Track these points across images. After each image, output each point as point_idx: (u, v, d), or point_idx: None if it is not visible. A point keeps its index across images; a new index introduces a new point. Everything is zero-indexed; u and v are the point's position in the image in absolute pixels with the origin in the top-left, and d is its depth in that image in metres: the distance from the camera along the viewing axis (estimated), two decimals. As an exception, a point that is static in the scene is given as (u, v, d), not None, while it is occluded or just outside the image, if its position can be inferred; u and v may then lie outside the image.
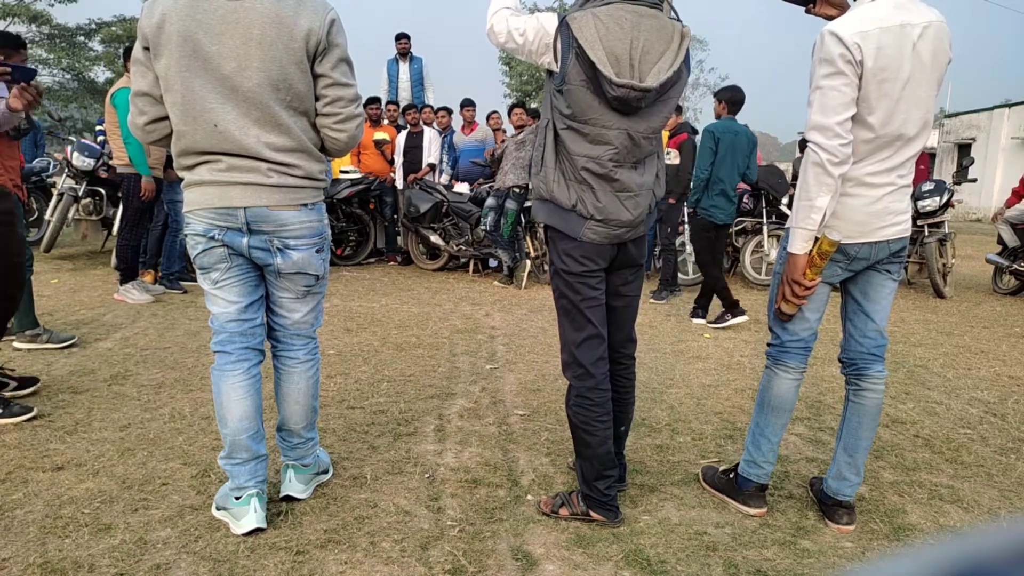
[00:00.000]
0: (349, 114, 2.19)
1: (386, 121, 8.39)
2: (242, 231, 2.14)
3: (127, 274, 5.53)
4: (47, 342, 4.09)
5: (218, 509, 2.30)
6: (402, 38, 8.96)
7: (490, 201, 6.84)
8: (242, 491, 2.24)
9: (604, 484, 2.32)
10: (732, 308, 5.42)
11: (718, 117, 5.41)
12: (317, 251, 2.27)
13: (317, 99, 2.16)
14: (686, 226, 7.04)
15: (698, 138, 6.72)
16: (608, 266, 2.31)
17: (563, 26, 2.09)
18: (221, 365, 2.24)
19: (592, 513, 2.34)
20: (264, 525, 2.22)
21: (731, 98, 5.34)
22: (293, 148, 2.14)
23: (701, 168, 5.28)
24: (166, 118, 2.13)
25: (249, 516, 2.20)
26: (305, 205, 2.20)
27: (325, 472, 2.61)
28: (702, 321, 5.56)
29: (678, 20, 2.19)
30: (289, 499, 2.43)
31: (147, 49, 2.05)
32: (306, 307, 2.34)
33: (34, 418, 3.06)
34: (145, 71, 2.08)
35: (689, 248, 7.15)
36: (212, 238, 2.14)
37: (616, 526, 2.34)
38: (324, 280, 2.35)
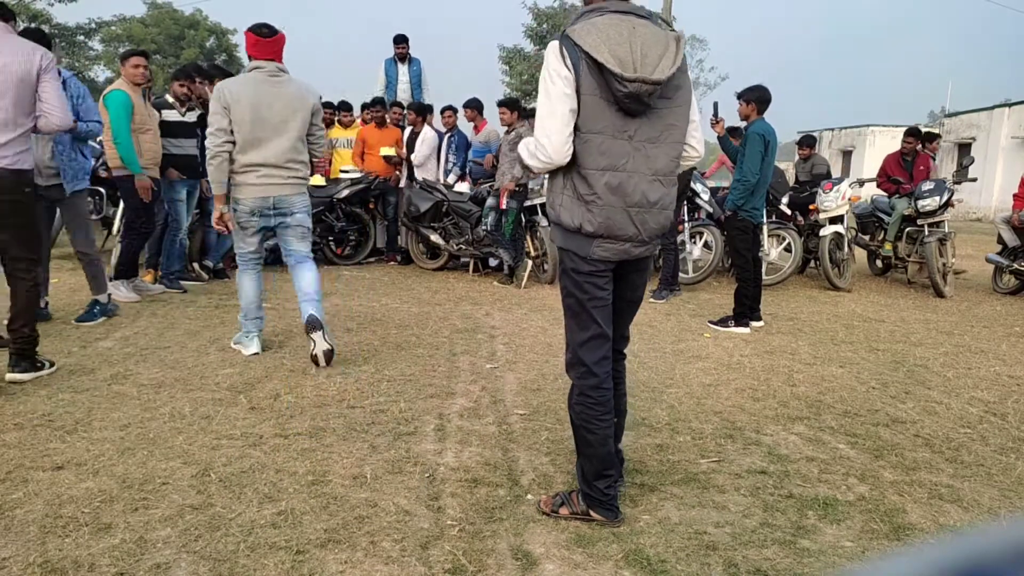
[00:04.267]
0: (322, 142, 4.27)
1: (388, 121, 8.36)
2: (271, 208, 4.00)
3: (119, 272, 5.53)
4: None
5: (235, 343, 4.22)
6: (401, 42, 8.90)
7: (491, 201, 6.84)
8: (250, 333, 4.14)
9: (604, 483, 2.33)
10: (743, 317, 5.34)
11: (745, 119, 5.29)
12: (307, 214, 4.15)
13: (310, 135, 4.11)
14: (686, 225, 7.04)
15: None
16: (617, 269, 2.36)
17: (565, 39, 2.16)
18: (244, 269, 4.15)
19: (592, 512, 2.35)
20: (260, 351, 4.12)
21: (759, 98, 5.19)
22: (302, 161, 4.09)
23: (751, 172, 5.12)
24: (232, 141, 3.88)
25: (253, 346, 4.12)
26: (303, 192, 4.13)
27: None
28: (758, 324, 5.44)
29: (672, 29, 2.28)
30: (312, 319, 3.92)
31: (226, 108, 3.83)
32: (304, 242, 4.17)
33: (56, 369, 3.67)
34: (223, 118, 3.83)
35: (689, 247, 7.15)
36: (253, 214, 3.99)
37: (616, 525, 2.35)
38: (310, 228, 4.21)
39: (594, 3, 2.26)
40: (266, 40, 3.93)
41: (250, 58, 4.01)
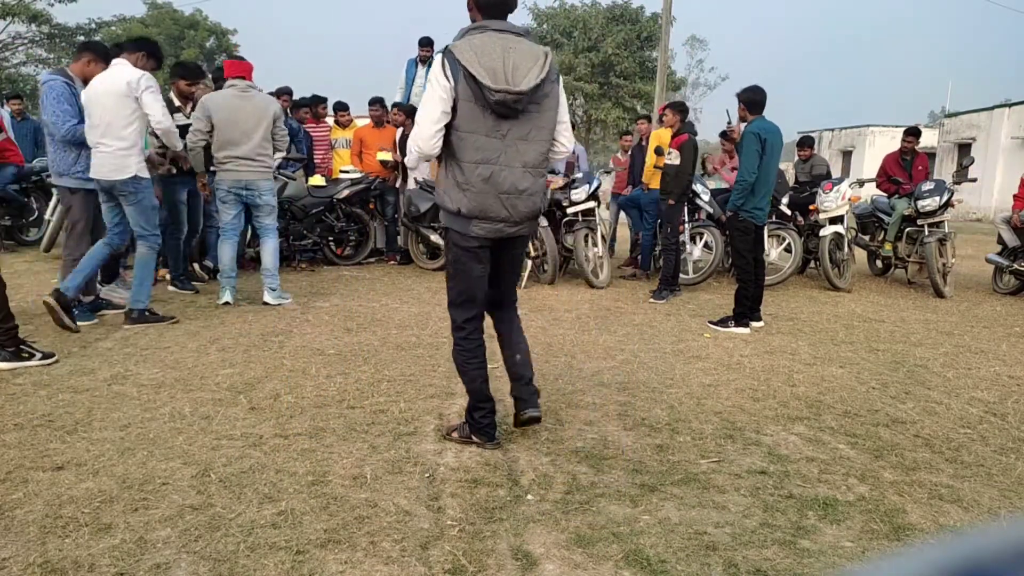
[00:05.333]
0: (286, 140, 5.58)
1: (388, 121, 8.36)
2: (243, 189, 5.30)
3: (110, 275, 5.52)
4: None
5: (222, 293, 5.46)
6: (425, 45, 8.88)
7: None
8: (224, 287, 5.42)
9: (479, 414, 2.88)
10: (743, 317, 5.32)
11: (742, 119, 5.30)
12: (272, 194, 5.43)
13: (273, 134, 5.35)
14: (686, 226, 7.04)
15: (698, 138, 6.71)
16: (495, 246, 2.82)
17: (447, 54, 2.60)
18: (224, 239, 5.44)
19: (473, 436, 2.90)
20: (232, 301, 5.41)
21: (749, 99, 5.20)
22: (267, 154, 5.35)
23: (749, 171, 5.10)
24: (207, 139, 5.21)
25: (226, 296, 5.39)
26: (268, 178, 5.41)
27: (285, 298, 5.55)
28: (758, 324, 5.41)
29: (543, 45, 2.75)
30: (265, 304, 5.42)
31: (208, 116, 5.10)
32: (271, 217, 5.49)
33: (55, 362, 3.82)
34: (202, 122, 5.14)
35: (690, 247, 7.15)
36: (230, 192, 5.29)
37: (492, 448, 2.87)
38: (276, 207, 5.55)
39: (478, 23, 2.70)
40: (238, 64, 5.47)
41: (226, 78, 5.38)
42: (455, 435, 2.95)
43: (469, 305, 2.88)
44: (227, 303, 5.33)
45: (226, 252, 5.40)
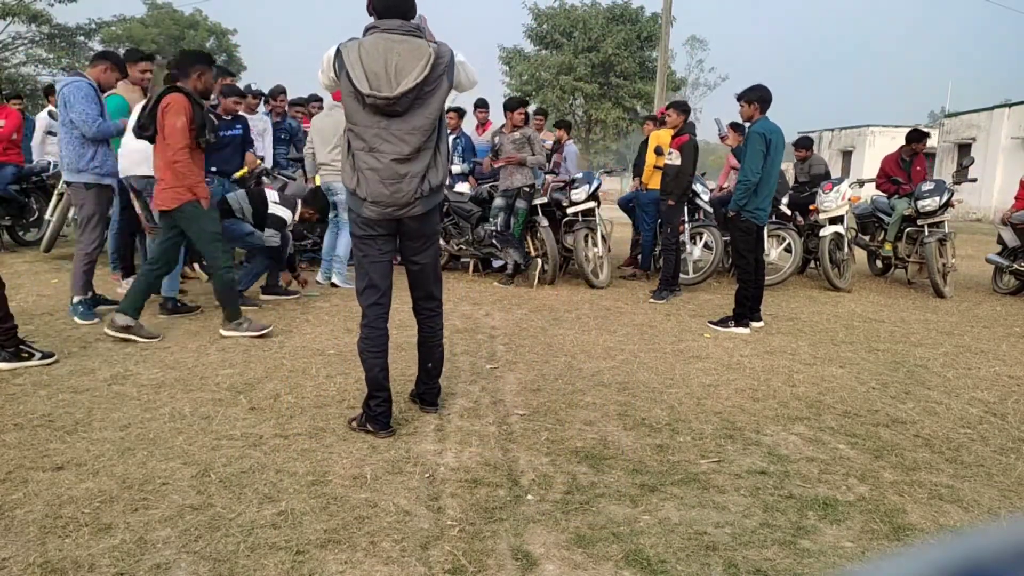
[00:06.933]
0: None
1: None
2: (327, 189, 6.09)
3: (128, 270, 5.62)
4: None
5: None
6: None
7: (498, 202, 6.82)
8: (323, 271, 6.63)
9: (374, 402, 3.01)
10: (743, 317, 5.31)
11: (748, 120, 5.29)
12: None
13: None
14: (686, 226, 7.04)
15: (699, 139, 6.70)
16: (397, 236, 3.02)
17: (338, 53, 2.85)
18: (334, 228, 6.45)
19: (368, 424, 3.01)
20: (321, 281, 6.55)
21: (760, 98, 5.18)
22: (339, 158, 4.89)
23: (752, 171, 5.09)
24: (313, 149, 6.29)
25: (333, 277, 6.48)
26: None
27: (350, 283, 5.87)
28: (758, 324, 5.41)
29: (433, 43, 2.89)
30: (333, 286, 6.33)
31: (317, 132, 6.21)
32: (346, 213, 4.75)
33: (55, 362, 3.81)
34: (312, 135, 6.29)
35: (690, 247, 7.15)
36: (325, 190, 6.06)
37: (385, 436, 2.96)
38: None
39: (371, 24, 2.88)
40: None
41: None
42: (354, 423, 3.07)
43: (372, 292, 3.02)
44: (334, 284, 6.38)
45: (327, 237, 6.57)
